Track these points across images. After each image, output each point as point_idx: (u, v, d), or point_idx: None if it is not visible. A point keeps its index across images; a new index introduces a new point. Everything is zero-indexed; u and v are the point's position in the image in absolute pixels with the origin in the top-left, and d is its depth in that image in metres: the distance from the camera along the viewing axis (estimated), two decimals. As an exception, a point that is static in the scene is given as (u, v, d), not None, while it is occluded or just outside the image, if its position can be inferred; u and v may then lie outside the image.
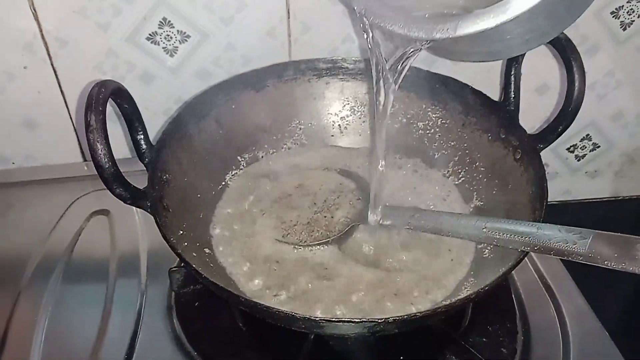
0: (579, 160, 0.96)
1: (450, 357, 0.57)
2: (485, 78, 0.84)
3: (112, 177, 0.50)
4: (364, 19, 0.54)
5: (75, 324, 0.63)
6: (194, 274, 0.50)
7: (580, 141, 0.93)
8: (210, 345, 0.60)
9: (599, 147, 0.94)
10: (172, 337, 0.60)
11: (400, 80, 0.56)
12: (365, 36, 0.56)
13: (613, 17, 0.80)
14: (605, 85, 0.87)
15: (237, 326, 0.61)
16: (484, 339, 0.59)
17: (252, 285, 0.60)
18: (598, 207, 1.01)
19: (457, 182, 0.72)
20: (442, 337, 0.58)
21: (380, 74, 0.56)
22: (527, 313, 0.63)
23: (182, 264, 0.56)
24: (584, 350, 0.60)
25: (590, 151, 0.94)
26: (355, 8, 0.55)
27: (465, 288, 0.59)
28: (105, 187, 0.52)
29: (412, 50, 0.52)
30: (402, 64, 0.55)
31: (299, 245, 0.64)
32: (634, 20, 0.80)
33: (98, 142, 0.47)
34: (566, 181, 0.98)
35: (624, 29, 0.81)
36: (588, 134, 0.92)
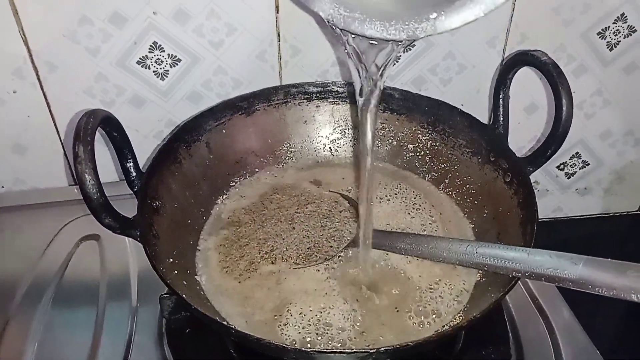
0: (569, 178, 0.96)
1: (444, 382, 0.57)
2: (475, 99, 0.85)
3: (100, 208, 0.49)
4: (333, 27, 0.49)
5: (64, 351, 0.62)
6: (183, 304, 0.50)
7: (569, 159, 0.94)
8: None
9: (588, 164, 0.95)
10: (163, 365, 0.60)
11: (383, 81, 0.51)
12: (341, 41, 0.51)
13: (600, 37, 0.81)
14: (593, 105, 0.88)
15: (229, 354, 0.60)
16: (478, 364, 0.59)
17: (244, 312, 0.59)
18: (588, 224, 1.02)
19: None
20: (435, 363, 0.58)
21: (362, 78, 0.52)
22: (519, 335, 0.63)
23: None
24: (578, 373, 0.60)
25: (579, 169, 0.95)
26: (322, 15, 0.50)
27: (458, 314, 0.58)
28: (94, 214, 0.51)
29: (393, 52, 0.49)
30: (383, 67, 0.51)
31: (291, 268, 0.64)
32: (620, 41, 0.81)
33: (86, 172, 0.47)
34: (557, 198, 0.99)
35: (611, 50, 0.82)
36: (577, 152, 0.93)
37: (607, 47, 0.82)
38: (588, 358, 0.61)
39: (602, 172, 0.96)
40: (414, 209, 0.71)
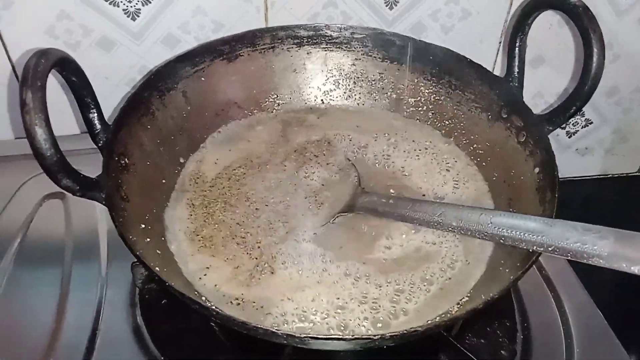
0: (570, 137, 0.94)
1: (445, 361, 0.53)
2: (477, 50, 0.80)
3: (54, 166, 0.43)
4: None
5: (25, 323, 0.57)
6: (156, 279, 0.44)
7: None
8: (180, 348, 0.55)
9: (591, 123, 0.92)
10: (136, 339, 0.56)
11: None
12: None
13: (615, -17, 0.76)
14: (603, 59, 0.83)
15: (209, 328, 0.56)
16: (482, 340, 0.55)
17: (225, 287, 0.54)
18: (586, 185, 1.01)
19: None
20: (436, 340, 0.54)
21: None
22: (526, 310, 0.60)
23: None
24: (588, 349, 0.57)
25: (582, 127, 0.93)
26: None
27: (467, 294, 0.53)
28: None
29: None
30: None
31: (278, 237, 0.58)
32: (637, -13, 0.77)
33: (36, 125, 0.40)
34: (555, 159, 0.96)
35: (626, -3, 0.77)
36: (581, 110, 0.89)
37: (623, -6, 0.77)
38: (600, 334, 0.58)
39: (605, 131, 0.94)
40: (415, 170, 0.66)
